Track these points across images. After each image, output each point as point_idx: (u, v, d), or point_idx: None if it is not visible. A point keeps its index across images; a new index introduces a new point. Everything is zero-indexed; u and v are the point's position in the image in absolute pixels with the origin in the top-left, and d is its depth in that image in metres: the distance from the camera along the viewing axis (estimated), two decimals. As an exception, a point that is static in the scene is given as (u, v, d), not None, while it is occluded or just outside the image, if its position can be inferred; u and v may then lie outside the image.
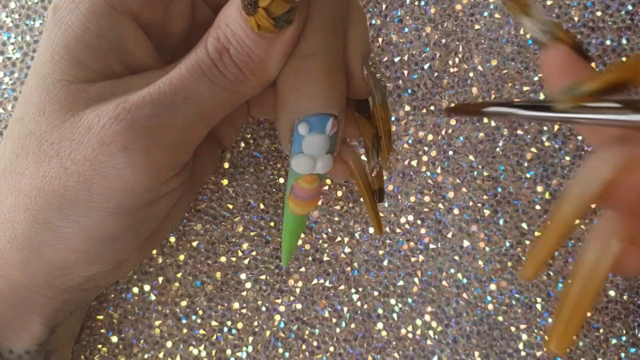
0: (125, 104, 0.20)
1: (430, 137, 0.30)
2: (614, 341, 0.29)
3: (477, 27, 0.30)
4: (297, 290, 0.30)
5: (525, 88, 0.30)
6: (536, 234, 0.30)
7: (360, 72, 0.23)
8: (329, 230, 0.30)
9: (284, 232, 0.25)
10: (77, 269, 0.22)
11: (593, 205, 0.19)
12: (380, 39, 0.31)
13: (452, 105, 0.21)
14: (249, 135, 0.31)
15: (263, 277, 0.30)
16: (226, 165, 0.30)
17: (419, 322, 0.30)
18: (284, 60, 0.21)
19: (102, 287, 0.27)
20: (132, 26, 0.21)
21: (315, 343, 0.30)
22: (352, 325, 0.30)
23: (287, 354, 0.30)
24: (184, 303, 0.30)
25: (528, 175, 0.30)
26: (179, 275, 0.30)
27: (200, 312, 0.30)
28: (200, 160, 0.26)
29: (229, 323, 0.30)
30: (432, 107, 0.30)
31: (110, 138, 0.19)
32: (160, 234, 0.26)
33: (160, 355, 0.30)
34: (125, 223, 0.21)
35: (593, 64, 0.30)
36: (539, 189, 0.30)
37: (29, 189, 0.21)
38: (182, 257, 0.30)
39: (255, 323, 0.30)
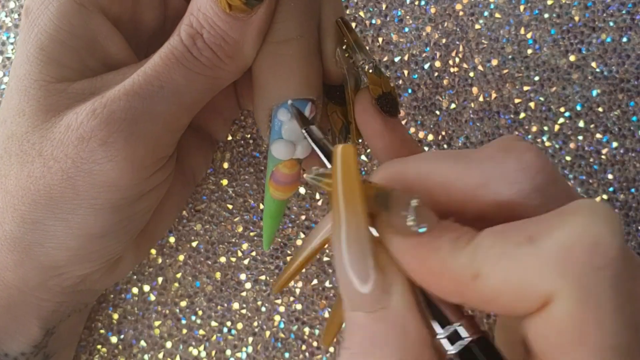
0: (102, 99, 0.20)
1: (430, 137, 0.30)
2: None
3: (477, 26, 0.30)
4: (297, 290, 0.30)
5: (525, 88, 0.30)
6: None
7: (332, 56, 0.23)
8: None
9: (264, 217, 0.25)
10: (70, 268, 0.22)
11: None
12: (380, 39, 0.31)
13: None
14: (249, 135, 0.30)
15: (263, 277, 0.30)
16: (226, 165, 0.30)
17: (419, 322, 0.30)
18: (259, 42, 0.21)
19: (100, 291, 0.27)
20: (102, 22, 0.21)
21: (315, 343, 0.30)
22: (352, 326, 0.30)
23: (287, 355, 0.30)
24: (183, 303, 0.30)
25: (528, 175, 0.30)
26: (178, 275, 0.30)
27: (200, 313, 0.30)
28: (191, 155, 0.26)
29: (228, 323, 0.30)
30: (431, 108, 0.30)
31: (90, 133, 0.19)
32: (156, 233, 0.26)
33: (160, 355, 0.30)
34: (113, 219, 0.21)
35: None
36: (540, 189, 0.30)
37: (15, 190, 0.21)
38: (181, 258, 0.30)
39: (255, 323, 0.30)
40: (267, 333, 0.30)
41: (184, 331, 0.30)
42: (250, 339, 0.30)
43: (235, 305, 0.30)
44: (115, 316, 0.30)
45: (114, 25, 0.22)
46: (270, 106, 0.22)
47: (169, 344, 0.30)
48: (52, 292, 0.23)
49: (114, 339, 0.30)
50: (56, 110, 0.20)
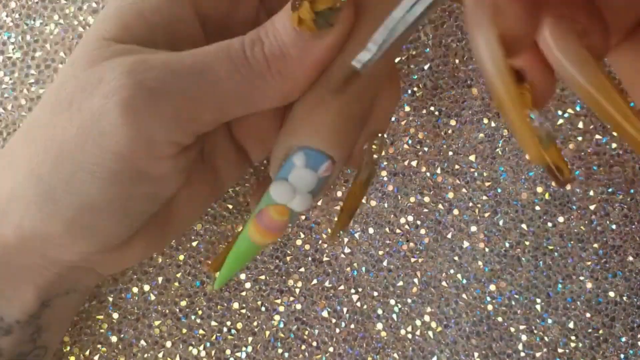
0: (144, 64, 0.19)
1: (430, 137, 0.30)
2: (613, 342, 0.29)
3: (477, 27, 0.30)
4: (297, 290, 0.30)
5: (525, 89, 0.30)
6: (536, 234, 0.30)
7: (360, 143, 0.23)
8: (329, 230, 0.30)
9: (230, 254, 0.23)
10: (67, 240, 0.21)
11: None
12: (380, 40, 0.31)
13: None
14: (249, 136, 0.31)
15: (263, 277, 0.30)
16: (226, 165, 0.31)
17: (418, 322, 0.30)
18: (314, 74, 0.21)
19: (104, 276, 0.26)
20: (188, 11, 0.22)
21: (314, 343, 0.30)
22: (352, 326, 0.30)
23: (286, 354, 0.30)
24: (183, 303, 0.30)
25: (528, 176, 0.30)
26: (178, 275, 0.30)
27: (200, 312, 0.30)
28: (225, 162, 0.25)
29: (228, 323, 0.30)
30: (432, 108, 0.30)
31: (115, 90, 0.19)
32: (172, 230, 0.25)
33: (160, 355, 0.30)
34: (110, 192, 0.21)
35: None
36: (539, 189, 0.30)
37: (38, 139, 0.21)
38: (181, 257, 0.30)
39: (255, 323, 0.30)
40: (267, 333, 0.30)
41: (184, 331, 0.30)
42: (250, 339, 0.30)
43: (235, 305, 0.30)
44: (115, 315, 0.30)
45: (201, 22, 0.22)
46: (291, 145, 0.21)
47: (168, 344, 0.30)
48: (51, 262, 0.22)
49: (114, 339, 0.30)
50: (96, 62, 0.20)
